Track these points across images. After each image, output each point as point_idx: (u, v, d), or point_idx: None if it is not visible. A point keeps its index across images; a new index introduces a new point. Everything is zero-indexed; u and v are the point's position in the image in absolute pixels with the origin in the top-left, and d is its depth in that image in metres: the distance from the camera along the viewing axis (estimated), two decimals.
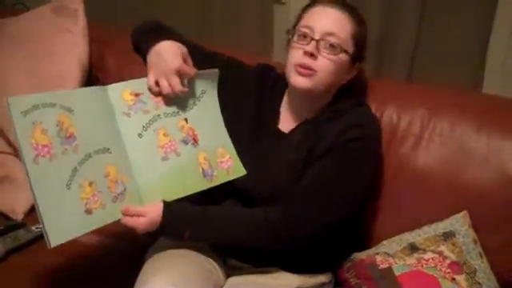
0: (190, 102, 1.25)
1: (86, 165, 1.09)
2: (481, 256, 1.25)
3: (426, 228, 1.30)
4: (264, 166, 1.26)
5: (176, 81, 1.18)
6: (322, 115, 1.26)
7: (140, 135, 1.18)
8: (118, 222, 1.13)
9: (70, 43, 1.76)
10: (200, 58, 1.28)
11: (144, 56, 1.24)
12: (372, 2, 1.72)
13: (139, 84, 1.20)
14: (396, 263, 1.26)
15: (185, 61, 1.20)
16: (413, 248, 1.28)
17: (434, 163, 1.36)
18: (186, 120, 1.24)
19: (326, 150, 1.20)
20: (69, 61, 1.73)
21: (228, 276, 1.28)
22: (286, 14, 1.91)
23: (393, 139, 1.41)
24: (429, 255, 1.26)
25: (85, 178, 1.08)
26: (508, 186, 1.29)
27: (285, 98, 1.33)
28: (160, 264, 1.18)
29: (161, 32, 1.24)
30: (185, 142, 1.23)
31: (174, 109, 1.22)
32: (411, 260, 1.26)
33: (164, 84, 1.18)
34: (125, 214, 1.13)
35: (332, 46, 1.19)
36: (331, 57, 1.19)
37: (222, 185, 1.25)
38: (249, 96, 1.33)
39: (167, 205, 1.15)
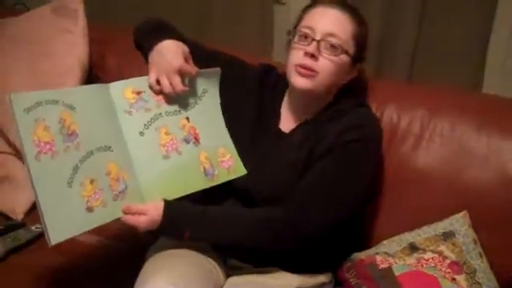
0: (192, 100, 1.25)
1: (88, 162, 1.09)
2: (481, 256, 1.25)
3: (425, 228, 1.30)
4: (265, 166, 1.26)
5: (177, 80, 1.18)
6: (322, 115, 1.26)
7: (141, 133, 1.18)
8: (118, 221, 1.12)
9: (71, 43, 1.76)
10: (202, 56, 1.28)
11: (146, 54, 1.24)
12: (372, 2, 1.72)
13: (141, 82, 1.20)
14: (396, 263, 1.26)
15: (186, 60, 1.20)
16: (413, 248, 1.28)
17: (434, 163, 1.36)
18: (187, 119, 1.24)
19: (327, 151, 1.20)
20: (69, 61, 1.73)
21: (228, 276, 1.28)
22: (286, 14, 1.92)
23: (393, 139, 1.41)
24: (429, 255, 1.26)
25: (86, 175, 1.08)
26: (508, 186, 1.29)
27: (285, 98, 1.33)
28: (160, 264, 1.18)
29: (163, 31, 1.24)
30: (186, 140, 1.23)
31: (175, 107, 1.22)
32: (411, 260, 1.26)
33: (165, 83, 1.18)
34: (126, 212, 1.13)
35: (333, 46, 1.19)
36: (332, 57, 1.19)
37: (222, 184, 1.25)
38: (250, 96, 1.33)
39: (168, 203, 1.15)
